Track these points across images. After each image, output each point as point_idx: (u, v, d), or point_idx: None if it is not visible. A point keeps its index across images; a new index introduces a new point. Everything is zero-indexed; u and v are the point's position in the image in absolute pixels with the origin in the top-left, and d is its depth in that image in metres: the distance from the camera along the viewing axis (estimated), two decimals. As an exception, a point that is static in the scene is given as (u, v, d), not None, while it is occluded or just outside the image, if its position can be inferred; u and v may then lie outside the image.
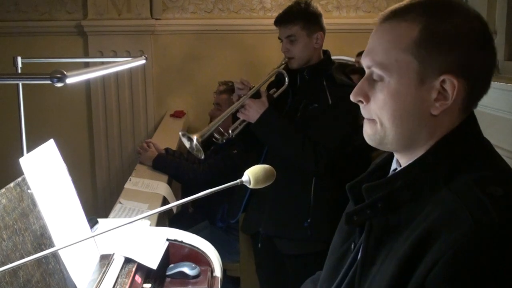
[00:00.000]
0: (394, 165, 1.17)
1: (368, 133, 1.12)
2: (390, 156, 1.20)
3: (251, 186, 1.19)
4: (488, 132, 2.00)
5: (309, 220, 2.42)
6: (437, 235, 0.95)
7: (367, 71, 1.11)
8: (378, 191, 1.09)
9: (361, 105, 1.12)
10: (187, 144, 2.45)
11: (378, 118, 1.09)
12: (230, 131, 2.50)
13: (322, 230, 2.42)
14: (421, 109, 1.05)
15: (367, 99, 1.10)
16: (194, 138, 2.40)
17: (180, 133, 2.52)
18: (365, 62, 1.11)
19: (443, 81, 1.03)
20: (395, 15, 1.07)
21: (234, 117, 2.53)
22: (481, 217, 0.94)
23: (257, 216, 2.59)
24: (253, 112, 2.41)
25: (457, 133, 1.07)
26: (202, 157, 2.50)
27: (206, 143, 3.72)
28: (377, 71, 1.07)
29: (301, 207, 2.45)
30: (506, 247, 0.92)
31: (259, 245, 2.60)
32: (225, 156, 3.08)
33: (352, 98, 1.12)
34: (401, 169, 1.11)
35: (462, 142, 1.06)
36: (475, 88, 1.06)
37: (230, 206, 2.92)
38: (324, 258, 2.61)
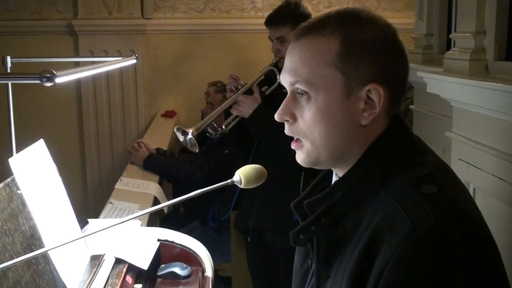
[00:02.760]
0: (334, 178, 1.17)
1: (302, 158, 1.11)
2: (330, 170, 1.19)
3: (242, 186, 1.19)
4: (478, 132, 2.01)
5: None
6: (380, 242, 0.96)
7: (289, 88, 1.09)
8: (319, 205, 1.08)
9: (287, 124, 1.10)
10: (181, 138, 2.48)
11: (307, 137, 1.08)
12: (223, 126, 2.54)
13: None
14: (351, 121, 1.05)
15: (294, 117, 1.08)
16: (190, 131, 2.44)
17: (174, 128, 2.55)
18: (287, 80, 1.09)
19: (369, 90, 1.04)
20: (311, 31, 1.06)
21: (226, 114, 2.56)
22: (418, 218, 0.94)
23: (247, 212, 2.63)
24: (246, 107, 2.45)
25: (385, 137, 1.07)
26: (197, 151, 2.53)
27: (197, 143, 3.73)
28: (302, 87, 1.06)
29: (290, 201, 2.46)
30: (446, 245, 0.92)
31: (249, 239, 2.65)
32: (216, 156, 3.08)
33: (277, 117, 1.10)
34: (337, 180, 1.11)
35: (391, 144, 1.07)
36: (396, 93, 1.07)
37: (220, 204, 2.92)
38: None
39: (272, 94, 2.54)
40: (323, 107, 1.05)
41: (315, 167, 1.12)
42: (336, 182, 1.11)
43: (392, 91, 1.06)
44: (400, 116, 1.11)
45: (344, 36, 1.04)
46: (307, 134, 1.08)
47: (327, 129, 1.05)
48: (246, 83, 2.54)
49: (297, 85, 1.07)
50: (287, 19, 2.48)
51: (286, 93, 1.12)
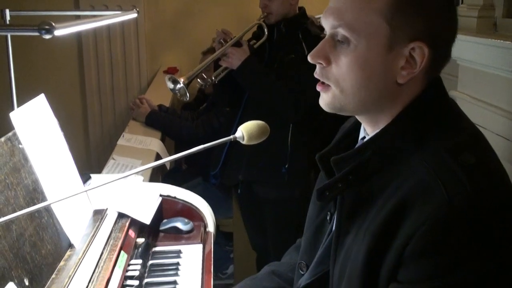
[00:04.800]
0: (362, 133, 1.14)
1: (327, 101, 1.06)
2: (357, 123, 1.16)
3: (244, 142, 1.18)
4: (484, 90, 1.99)
5: (286, 166, 2.54)
6: (410, 208, 0.94)
7: (330, 31, 1.04)
8: (348, 163, 1.06)
9: (319, 67, 1.05)
10: (171, 86, 2.54)
11: (337, 84, 1.03)
12: (213, 77, 2.62)
13: (299, 175, 2.58)
14: (387, 76, 1.01)
15: (328, 61, 1.03)
16: (181, 80, 2.50)
17: (166, 77, 2.59)
18: (328, 21, 1.03)
19: (413, 48, 0.99)
20: None
21: (215, 66, 2.64)
22: (455, 190, 0.92)
23: (237, 165, 2.71)
24: (235, 59, 2.51)
25: (423, 99, 1.04)
26: (187, 99, 2.61)
27: (199, 100, 3.71)
28: (343, 32, 1.00)
29: (279, 153, 2.56)
30: (480, 218, 0.91)
31: (239, 191, 2.75)
32: (218, 113, 3.07)
33: (310, 59, 1.05)
34: (368, 139, 1.08)
35: (428, 107, 1.03)
36: (440, 56, 1.03)
37: (212, 158, 2.94)
38: (300, 203, 2.75)
39: (260, 48, 2.62)
40: (361, 57, 1.00)
41: (338, 113, 1.08)
42: (367, 141, 1.07)
43: (436, 54, 1.01)
44: (440, 80, 1.07)
45: None
46: (338, 81, 1.03)
47: (361, 80, 1.01)
48: (234, 36, 2.60)
49: (339, 29, 1.00)
50: None
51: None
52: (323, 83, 1.06)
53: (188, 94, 2.53)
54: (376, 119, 1.06)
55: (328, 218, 1.19)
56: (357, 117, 1.13)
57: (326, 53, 1.03)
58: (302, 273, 1.24)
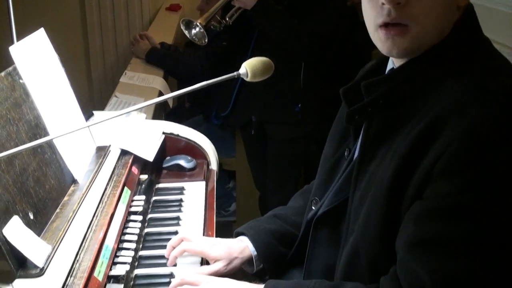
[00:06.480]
0: (390, 65, 1.12)
1: (404, 46, 1.00)
2: (382, 61, 1.15)
3: (248, 79, 1.17)
4: (489, 27, 1.94)
5: (299, 105, 2.52)
6: (443, 125, 0.93)
7: None
8: (379, 87, 1.05)
9: (394, 9, 0.98)
10: (187, 32, 2.50)
11: (418, 21, 0.98)
12: (227, 18, 2.55)
13: (312, 113, 2.55)
14: (454, 1, 1.00)
15: None
16: (198, 23, 2.46)
17: (181, 21, 2.54)
18: None
19: None
20: None
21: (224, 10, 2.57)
22: (492, 107, 0.92)
23: (248, 106, 2.69)
24: None
25: (463, 26, 1.02)
26: (205, 42, 2.57)
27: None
28: None
29: (292, 92, 2.54)
30: None
31: (253, 132, 2.72)
32: (215, 49, 3.00)
33: (386, 1, 0.97)
34: (403, 64, 1.06)
35: (467, 35, 1.02)
36: None
37: (220, 101, 2.92)
38: (309, 143, 2.76)
39: None
40: None
41: (407, 58, 1.05)
42: (402, 66, 1.05)
43: None
44: (472, 6, 1.05)
45: None
46: (419, 18, 0.98)
47: (443, 11, 0.99)
48: None
49: None
50: None
51: None
52: (395, 26, 1.00)
53: (206, 37, 2.49)
54: None
55: (346, 154, 1.20)
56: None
57: None
58: (314, 208, 1.25)
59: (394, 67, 1.10)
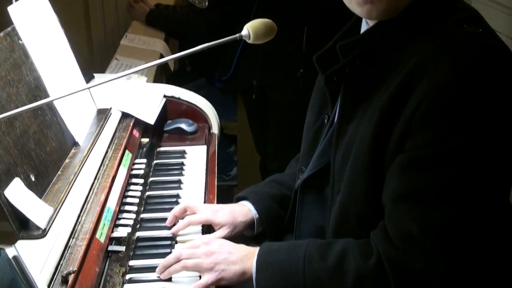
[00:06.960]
0: (364, 27, 1.12)
1: (382, 7, 1.02)
2: (355, 22, 1.16)
3: (250, 41, 1.15)
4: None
5: (301, 70, 2.49)
6: (419, 78, 0.96)
7: None
8: (355, 48, 1.07)
9: None
10: None
11: None
12: None
13: (314, 79, 2.49)
14: None
15: None
16: None
17: None
18: None
19: None
20: None
21: None
22: (464, 54, 0.94)
23: (250, 69, 2.66)
24: None
25: None
26: (206, 4, 2.55)
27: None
28: None
29: (294, 57, 2.50)
30: (489, 80, 0.93)
31: (254, 96, 2.70)
32: (220, 12, 2.96)
33: None
34: (378, 23, 1.06)
35: None
36: None
37: (222, 64, 2.89)
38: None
39: None
40: None
41: (385, 19, 1.05)
42: (377, 24, 1.07)
43: None
44: None
45: None
46: None
47: None
48: None
49: None
50: None
51: None
52: None
53: (207, 0, 2.47)
54: None
55: (325, 121, 1.21)
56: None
57: None
58: (301, 177, 1.26)
59: (369, 28, 1.10)
